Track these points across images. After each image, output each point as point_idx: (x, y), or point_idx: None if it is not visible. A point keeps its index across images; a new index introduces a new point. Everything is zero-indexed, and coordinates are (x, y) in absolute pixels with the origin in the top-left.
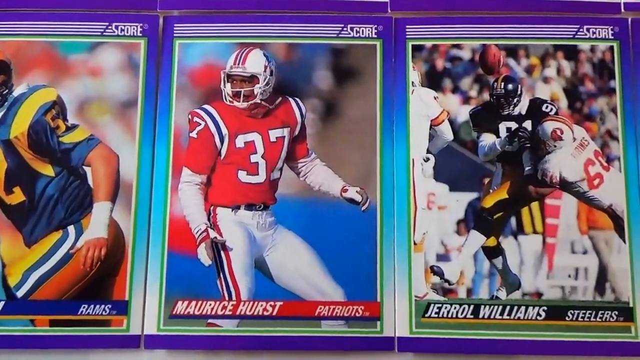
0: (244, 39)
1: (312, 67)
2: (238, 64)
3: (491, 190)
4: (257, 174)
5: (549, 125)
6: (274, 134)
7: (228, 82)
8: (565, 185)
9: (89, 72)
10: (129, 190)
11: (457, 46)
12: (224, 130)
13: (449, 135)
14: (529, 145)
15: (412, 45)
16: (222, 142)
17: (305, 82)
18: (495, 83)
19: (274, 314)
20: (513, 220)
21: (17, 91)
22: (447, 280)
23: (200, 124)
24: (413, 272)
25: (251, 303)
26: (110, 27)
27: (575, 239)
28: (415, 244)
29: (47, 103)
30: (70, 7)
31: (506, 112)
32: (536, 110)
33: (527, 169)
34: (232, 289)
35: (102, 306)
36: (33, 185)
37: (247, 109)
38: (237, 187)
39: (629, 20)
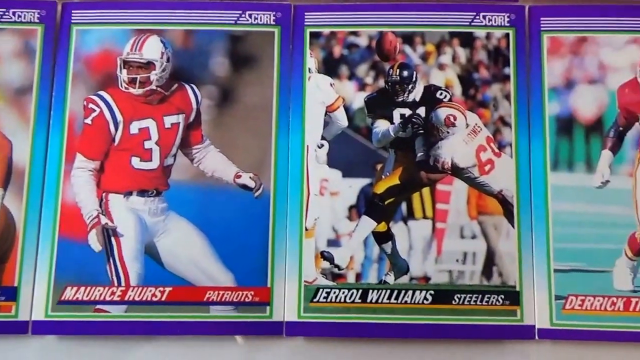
0: (141, 26)
1: (209, 53)
2: (135, 51)
3: (383, 176)
4: (151, 161)
5: (442, 112)
6: (168, 121)
7: (124, 68)
8: (457, 171)
9: None
10: (21, 176)
11: (355, 33)
12: (119, 117)
13: (344, 122)
14: (422, 131)
15: (310, 32)
16: (116, 128)
17: (202, 69)
18: (391, 70)
19: (163, 299)
20: (404, 206)
21: None
22: (336, 266)
23: (95, 111)
24: (303, 257)
25: (140, 288)
26: (7, 14)
27: (464, 224)
28: (306, 229)
29: None
30: None
31: (400, 99)
32: (430, 97)
33: (419, 155)
34: (121, 275)
35: None
36: None
37: (142, 95)
38: (130, 173)
39: (526, 7)
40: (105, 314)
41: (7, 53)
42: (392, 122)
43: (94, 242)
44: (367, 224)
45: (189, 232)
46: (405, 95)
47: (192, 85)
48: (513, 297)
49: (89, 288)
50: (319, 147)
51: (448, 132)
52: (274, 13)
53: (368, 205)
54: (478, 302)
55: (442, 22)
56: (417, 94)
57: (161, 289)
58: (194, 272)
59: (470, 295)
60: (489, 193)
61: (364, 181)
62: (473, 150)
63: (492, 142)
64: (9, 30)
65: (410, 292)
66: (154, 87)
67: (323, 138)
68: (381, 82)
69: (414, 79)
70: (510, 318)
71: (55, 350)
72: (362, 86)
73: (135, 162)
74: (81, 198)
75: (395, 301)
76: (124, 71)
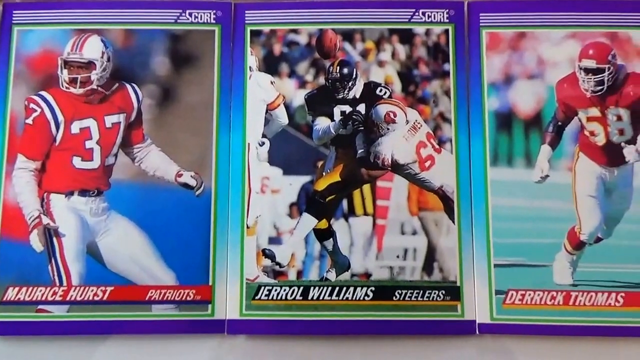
0: (82, 25)
1: (149, 53)
2: (75, 50)
3: (324, 174)
4: (92, 160)
5: (382, 108)
6: (109, 120)
7: (65, 68)
8: (397, 168)
9: None
10: None
11: (295, 31)
12: (60, 117)
13: (284, 120)
14: (362, 128)
15: (251, 30)
16: (57, 128)
17: (143, 68)
18: (331, 67)
19: (105, 298)
20: (345, 203)
21: None
22: (278, 263)
23: (36, 111)
24: (245, 255)
25: (82, 288)
26: None
27: (405, 220)
28: (248, 227)
29: None
30: None
31: (341, 96)
32: (370, 94)
33: (359, 151)
34: (63, 275)
35: None
36: None
37: (83, 95)
38: (71, 173)
39: (465, 3)
40: (47, 314)
41: None
42: (332, 120)
43: (36, 242)
44: (308, 221)
45: (130, 231)
46: (346, 92)
47: (133, 84)
48: (454, 292)
49: (30, 288)
50: (260, 145)
51: (388, 129)
52: (214, 12)
53: (309, 202)
54: (419, 298)
55: (382, 19)
56: (357, 91)
57: (103, 288)
58: (136, 271)
59: (411, 291)
60: (430, 189)
61: (304, 178)
62: (413, 146)
63: (432, 138)
64: None
65: (351, 289)
66: (95, 87)
67: (264, 136)
68: (321, 80)
69: (354, 76)
70: (451, 313)
71: None
72: (302, 84)
73: (77, 161)
74: (22, 198)
75: (336, 298)
76: (65, 71)
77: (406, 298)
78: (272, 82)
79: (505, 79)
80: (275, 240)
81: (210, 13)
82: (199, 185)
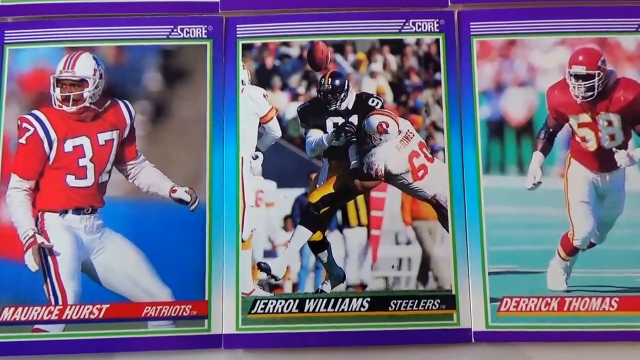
0: (74, 43)
1: (142, 69)
2: (67, 68)
3: (318, 186)
4: (86, 178)
5: (374, 119)
6: (102, 137)
7: (57, 86)
8: (390, 178)
9: None
10: None
11: (286, 44)
12: (53, 135)
13: (278, 133)
14: (354, 139)
15: (242, 44)
16: (50, 147)
17: (135, 84)
18: (323, 79)
19: (101, 316)
20: (339, 214)
21: None
22: (273, 276)
23: (30, 130)
24: (240, 269)
25: (77, 307)
26: None
27: (399, 230)
28: (243, 241)
29: None
30: None
31: (333, 108)
32: (362, 105)
33: (352, 163)
34: (58, 294)
35: None
36: None
37: (76, 113)
38: (65, 191)
39: (455, 12)
40: (43, 333)
41: None
42: (325, 131)
43: (31, 261)
44: (303, 234)
45: (125, 248)
46: (338, 104)
47: (126, 101)
48: (449, 301)
49: (26, 308)
50: (254, 159)
51: (381, 139)
52: (205, 26)
53: (303, 214)
54: (414, 308)
55: (372, 30)
56: (349, 102)
57: (99, 306)
58: (131, 288)
59: (407, 300)
60: (423, 198)
61: (298, 191)
62: (406, 156)
63: (424, 147)
64: None
65: (347, 300)
66: (88, 105)
67: (257, 149)
68: (313, 92)
69: (345, 87)
70: (447, 322)
71: None
72: (294, 96)
73: (70, 180)
74: (17, 218)
75: (332, 310)
76: (57, 89)
77: (402, 308)
78: (264, 96)
79: (496, 87)
80: (270, 253)
81: (201, 28)
82: (193, 200)
